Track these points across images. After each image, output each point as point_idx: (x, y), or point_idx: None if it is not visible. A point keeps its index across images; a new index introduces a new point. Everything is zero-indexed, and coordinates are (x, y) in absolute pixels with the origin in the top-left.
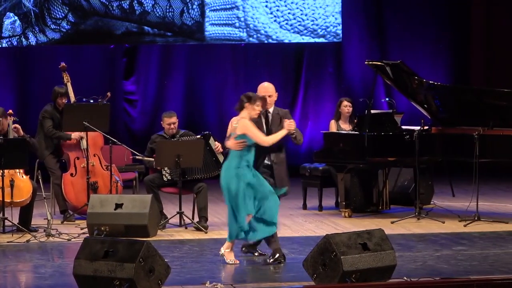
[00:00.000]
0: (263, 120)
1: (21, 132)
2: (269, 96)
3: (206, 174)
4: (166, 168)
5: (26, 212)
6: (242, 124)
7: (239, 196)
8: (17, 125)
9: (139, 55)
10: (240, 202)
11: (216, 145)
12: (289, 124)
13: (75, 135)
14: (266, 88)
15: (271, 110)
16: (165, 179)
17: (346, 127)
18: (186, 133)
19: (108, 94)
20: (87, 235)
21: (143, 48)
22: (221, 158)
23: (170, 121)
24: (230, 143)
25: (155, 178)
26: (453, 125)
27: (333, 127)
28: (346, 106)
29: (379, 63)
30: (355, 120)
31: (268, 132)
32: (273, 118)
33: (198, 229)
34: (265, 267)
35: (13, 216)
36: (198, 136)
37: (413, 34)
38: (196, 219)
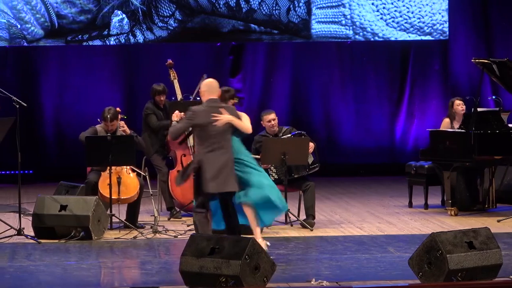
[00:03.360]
0: None
1: (128, 131)
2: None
3: (296, 173)
4: (272, 168)
5: (133, 208)
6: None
7: None
8: (123, 124)
9: (246, 52)
10: None
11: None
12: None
13: (174, 116)
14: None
15: None
16: (272, 178)
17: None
18: (289, 130)
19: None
20: (194, 232)
21: (250, 45)
22: (310, 158)
23: (270, 118)
24: None
25: None
26: None
27: (446, 125)
28: (459, 105)
29: (486, 61)
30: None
31: None
32: None
33: (303, 226)
34: (370, 264)
35: (120, 213)
36: (289, 135)
37: None
38: (302, 216)
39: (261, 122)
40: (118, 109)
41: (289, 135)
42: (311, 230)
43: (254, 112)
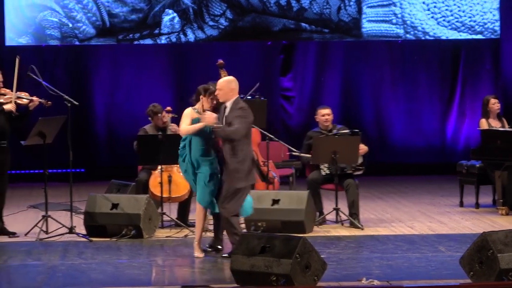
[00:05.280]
0: (223, 113)
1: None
2: (219, 90)
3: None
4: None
5: (184, 207)
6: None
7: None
8: (174, 126)
9: (296, 51)
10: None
11: (360, 148)
12: (206, 117)
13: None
14: (217, 84)
15: (228, 104)
16: (323, 173)
17: (496, 125)
18: (343, 128)
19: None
20: (245, 230)
21: (300, 44)
22: (360, 159)
23: (324, 112)
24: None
25: (318, 177)
26: None
27: (485, 125)
28: (494, 104)
29: None
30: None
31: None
32: (231, 110)
33: (354, 225)
34: (421, 264)
35: (171, 211)
36: (344, 131)
37: None
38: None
39: (315, 116)
40: (169, 108)
41: (344, 131)
42: (362, 229)
43: (305, 111)
